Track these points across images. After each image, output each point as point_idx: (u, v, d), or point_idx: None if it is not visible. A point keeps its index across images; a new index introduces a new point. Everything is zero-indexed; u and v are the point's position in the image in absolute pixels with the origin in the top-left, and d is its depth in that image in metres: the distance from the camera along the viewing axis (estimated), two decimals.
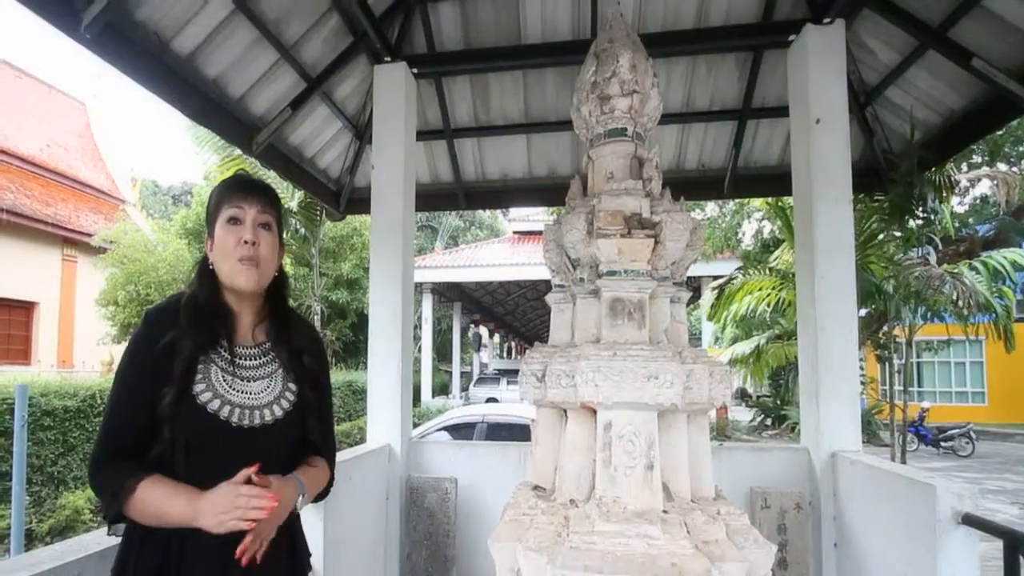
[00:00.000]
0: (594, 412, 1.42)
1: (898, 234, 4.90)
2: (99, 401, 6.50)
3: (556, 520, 1.36)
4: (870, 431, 11.83)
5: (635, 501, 1.29)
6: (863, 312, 6.16)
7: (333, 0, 3.25)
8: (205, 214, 1.21)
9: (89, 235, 13.36)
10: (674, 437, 1.43)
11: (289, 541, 1.18)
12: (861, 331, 6.17)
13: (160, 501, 1.00)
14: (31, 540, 5.47)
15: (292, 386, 1.18)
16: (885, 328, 5.78)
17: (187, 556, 1.02)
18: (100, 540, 1.30)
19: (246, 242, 1.12)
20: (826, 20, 3.02)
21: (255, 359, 1.16)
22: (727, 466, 2.90)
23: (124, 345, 1.17)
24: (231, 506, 0.99)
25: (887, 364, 6.01)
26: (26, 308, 13.62)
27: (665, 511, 1.29)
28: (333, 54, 3.53)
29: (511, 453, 3.14)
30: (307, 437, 1.20)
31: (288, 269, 11.68)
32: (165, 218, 17.32)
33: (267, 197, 1.18)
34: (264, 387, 1.14)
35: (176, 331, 1.06)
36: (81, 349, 14.13)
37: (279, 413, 1.13)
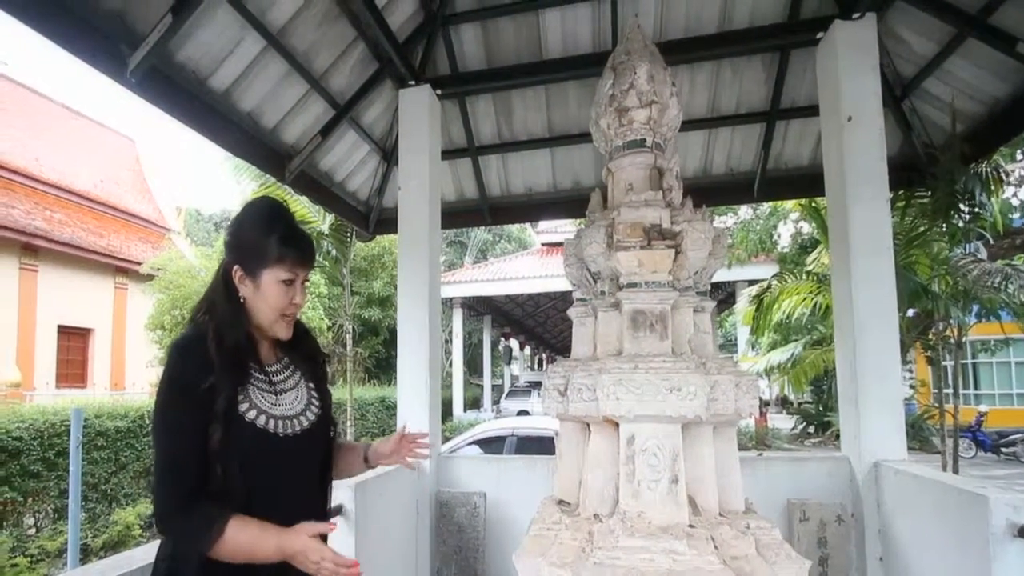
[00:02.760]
0: (617, 426, 1.41)
1: (944, 230, 4.68)
2: (147, 422, 6.81)
3: (580, 535, 1.35)
4: (921, 437, 11.18)
5: (660, 516, 1.27)
6: (911, 312, 5.88)
7: (359, 29, 3.37)
8: (245, 244, 1.19)
9: (138, 263, 14.09)
10: (700, 450, 1.40)
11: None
12: (908, 332, 5.90)
13: (251, 542, 1.04)
14: (86, 554, 5.76)
15: (314, 392, 1.27)
16: (937, 329, 5.49)
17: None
18: (143, 556, 1.36)
19: (295, 303, 1.20)
20: (855, 15, 2.95)
21: (281, 374, 1.24)
22: (762, 477, 2.81)
23: None
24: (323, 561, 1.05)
25: (938, 366, 5.68)
26: (83, 335, 14.44)
27: (691, 526, 1.27)
28: (360, 81, 3.66)
29: (539, 467, 3.12)
30: (334, 429, 1.31)
31: (322, 290, 12.08)
32: (207, 245, 18.10)
33: (314, 259, 1.27)
34: (294, 397, 1.23)
35: (212, 376, 1.08)
36: (132, 372, 14.85)
37: (312, 417, 1.22)
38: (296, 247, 1.19)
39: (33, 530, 5.84)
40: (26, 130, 14.82)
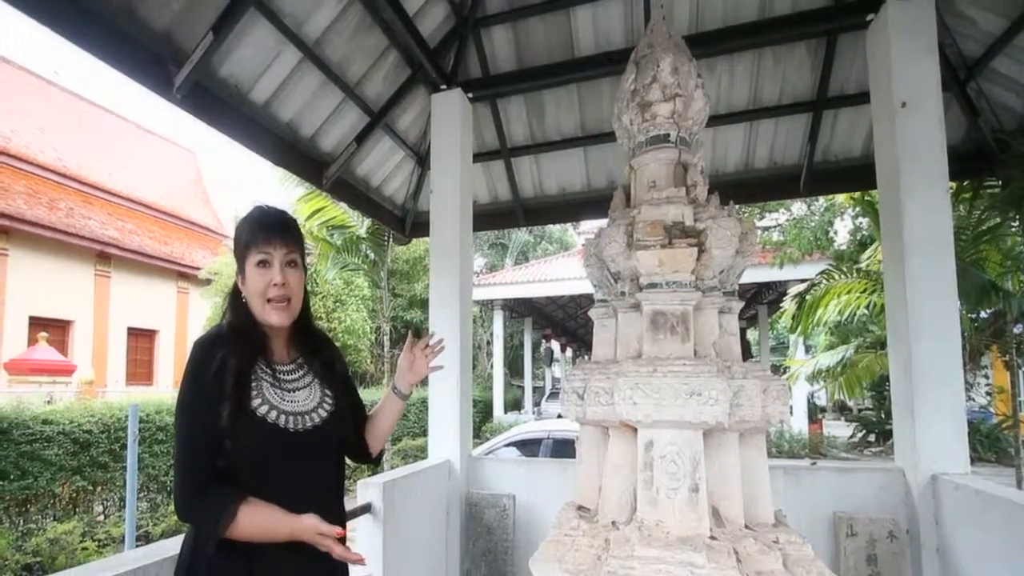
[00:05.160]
0: (635, 430, 1.36)
1: (1015, 224, 4.28)
2: None
3: (597, 542, 1.31)
4: (999, 449, 10.29)
5: (679, 525, 1.21)
6: (984, 313, 5.41)
7: (391, 37, 3.43)
8: (234, 250, 1.29)
9: (198, 269, 14.97)
10: (724, 458, 1.33)
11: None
12: (980, 334, 5.43)
13: (265, 526, 1.11)
14: (147, 541, 6.14)
15: (328, 392, 1.30)
16: (1010, 330, 5.02)
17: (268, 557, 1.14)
18: (172, 547, 1.43)
19: (275, 284, 1.22)
20: None
21: (293, 373, 1.28)
22: (806, 488, 2.65)
23: None
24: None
25: (1014, 372, 5.20)
26: (149, 336, 15.49)
27: (713, 537, 1.20)
28: (393, 88, 3.74)
29: (570, 470, 3.04)
30: (345, 439, 1.33)
31: (366, 292, 12.39)
32: None
33: (290, 236, 1.26)
34: (306, 395, 1.26)
35: (223, 354, 1.16)
36: None
37: (324, 415, 1.26)
38: (263, 227, 1.24)
39: (101, 517, 6.29)
40: (102, 147, 16.07)
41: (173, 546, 1.43)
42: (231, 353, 1.16)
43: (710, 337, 1.46)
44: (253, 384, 1.18)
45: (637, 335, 1.50)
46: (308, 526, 1.12)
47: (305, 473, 1.19)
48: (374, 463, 1.50)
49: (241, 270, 1.25)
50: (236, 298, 1.26)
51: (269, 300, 1.22)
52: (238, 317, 1.24)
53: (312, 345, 1.34)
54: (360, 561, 1.17)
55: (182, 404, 1.15)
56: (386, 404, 1.45)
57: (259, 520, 1.10)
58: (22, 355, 10.60)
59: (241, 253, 1.25)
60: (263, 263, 1.22)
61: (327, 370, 1.33)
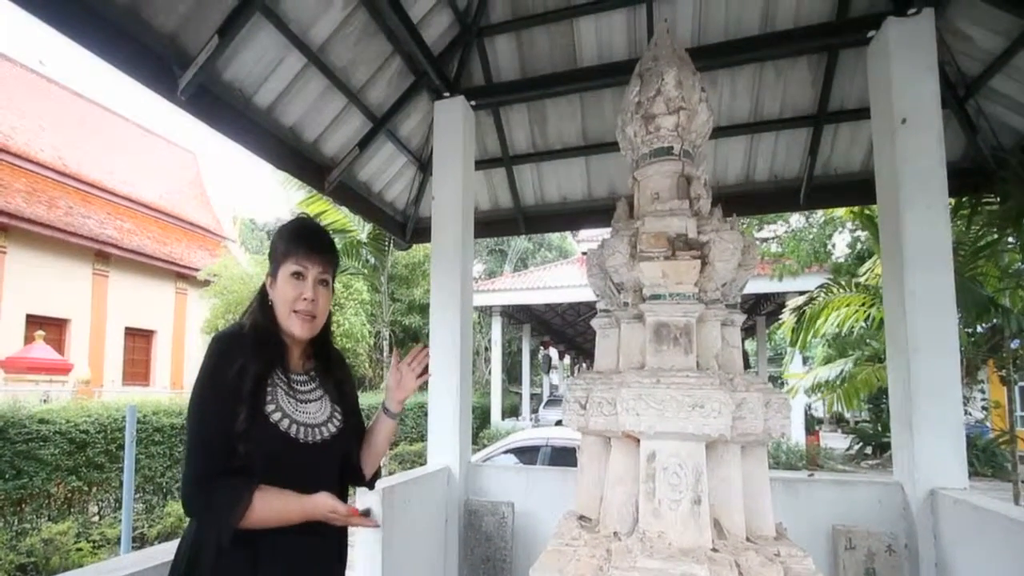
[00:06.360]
0: (638, 441, 1.37)
1: (1013, 240, 4.30)
2: None
3: (598, 553, 1.31)
4: (995, 463, 10.31)
5: (681, 537, 1.21)
6: (981, 328, 5.44)
7: (395, 44, 3.46)
8: (270, 251, 1.32)
9: (197, 270, 14.92)
10: (726, 470, 1.33)
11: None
12: (978, 349, 5.45)
13: (279, 511, 1.13)
14: (143, 543, 6.10)
15: (338, 409, 1.32)
16: (1007, 346, 5.04)
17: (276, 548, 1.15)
18: (166, 550, 1.42)
19: (305, 299, 1.24)
20: (911, 11, 2.79)
21: (306, 385, 1.29)
22: (805, 500, 2.65)
23: None
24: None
25: (1011, 387, 5.22)
26: (147, 336, 15.42)
27: (715, 549, 1.20)
28: (396, 94, 3.76)
29: (569, 479, 3.03)
30: (349, 458, 1.34)
31: (365, 296, 12.38)
32: (260, 252, 18.96)
33: (329, 255, 1.30)
34: (318, 408, 1.28)
35: (244, 357, 1.17)
36: (189, 372, 15.70)
37: (333, 430, 1.27)
38: (305, 241, 1.26)
39: (97, 518, 6.24)
40: (102, 146, 16.06)
41: (171, 550, 1.42)
42: (252, 357, 1.17)
43: (713, 349, 1.47)
44: (268, 390, 1.20)
45: (640, 346, 1.50)
46: (321, 504, 1.14)
47: (309, 484, 1.19)
48: (368, 486, 1.48)
49: (273, 274, 1.27)
50: (263, 299, 1.28)
51: (295, 311, 1.24)
52: (263, 319, 1.25)
53: (327, 362, 1.35)
54: (375, 526, 1.22)
55: (198, 397, 1.16)
56: (377, 425, 1.44)
57: (273, 504, 1.11)
58: (19, 353, 10.53)
59: (277, 259, 1.27)
60: (298, 275, 1.25)
61: (339, 390, 1.35)
